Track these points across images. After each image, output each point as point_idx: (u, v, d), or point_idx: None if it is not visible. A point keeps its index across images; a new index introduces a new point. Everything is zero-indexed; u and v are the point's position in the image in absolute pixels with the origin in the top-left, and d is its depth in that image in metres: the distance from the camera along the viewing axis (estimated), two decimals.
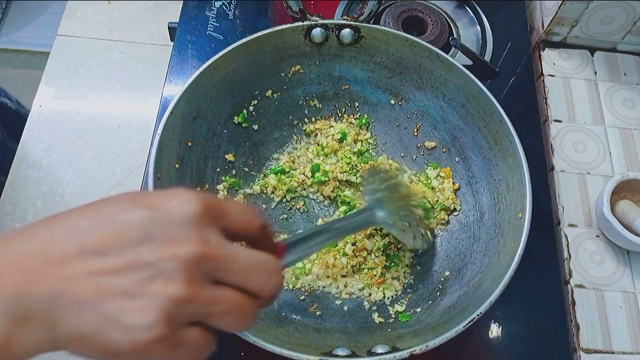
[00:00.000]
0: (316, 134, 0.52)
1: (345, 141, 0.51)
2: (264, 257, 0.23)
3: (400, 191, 0.45)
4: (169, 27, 0.60)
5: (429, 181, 0.49)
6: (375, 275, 0.45)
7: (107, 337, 0.20)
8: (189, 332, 0.21)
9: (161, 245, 0.20)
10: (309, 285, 0.45)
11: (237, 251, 0.22)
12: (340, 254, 0.45)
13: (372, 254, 0.46)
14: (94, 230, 0.21)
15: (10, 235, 0.21)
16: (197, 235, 0.21)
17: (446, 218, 0.48)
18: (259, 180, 0.50)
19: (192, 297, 0.20)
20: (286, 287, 0.45)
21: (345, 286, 0.45)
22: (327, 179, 0.49)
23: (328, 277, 0.45)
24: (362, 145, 0.51)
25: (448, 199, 0.48)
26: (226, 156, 0.48)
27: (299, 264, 0.45)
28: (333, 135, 0.51)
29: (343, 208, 0.48)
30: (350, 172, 0.49)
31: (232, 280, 0.22)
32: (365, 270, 0.45)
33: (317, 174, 0.49)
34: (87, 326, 0.20)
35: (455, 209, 0.48)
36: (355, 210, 0.46)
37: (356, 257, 0.45)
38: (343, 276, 0.45)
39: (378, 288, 0.44)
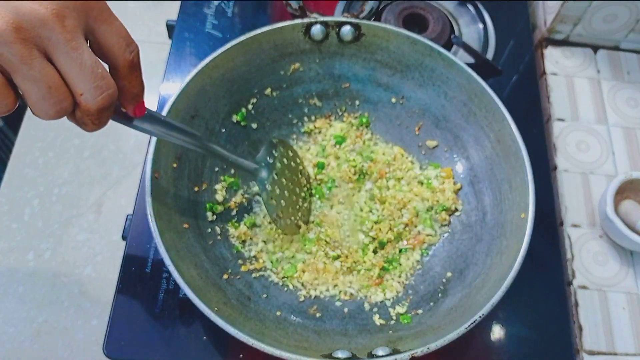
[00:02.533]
0: (316, 133, 0.52)
1: (344, 143, 0.50)
2: (103, 70, 0.23)
3: (299, 176, 0.46)
4: (167, 25, 0.60)
5: (429, 181, 0.48)
6: (373, 276, 0.44)
7: None
8: None
9: None
10: (307, 288, 0.44)
11: (84, 46, 0.22)
12: (330, 259, 0.44)
13: (366, 254, 0.45)
14: None
15: None
16: (60, 6, 0.21)
17: (447, 219, 0.47)
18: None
19: (14, 39, 0.20)
20: (286, 289, 0.44)
21: (342, 288, 0.44)
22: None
23: (322, 283, 0.44)
24: (362, 145, 0.51)
25: (448, 199, 0.47)
26: None
27: (288, 265, 0.44)
28: (328, 140, 0.50)
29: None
30: (359, 177, 0.49)
31: (61, 63, 0.22)
32: (362, 271, 0.44)
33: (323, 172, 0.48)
34: None
35: (456, 209, 0.47)
36: (243, 156, 0.44)
37: (347, 258, 0.45)
38: (337, 278, 0.44)
39: (377, 289, 0.44)
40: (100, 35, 0.23)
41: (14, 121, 0.72)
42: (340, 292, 0.44)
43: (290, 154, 0.46)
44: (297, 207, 0.45)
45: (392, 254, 0.45)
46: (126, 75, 0.25)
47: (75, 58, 0.22)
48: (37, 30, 0.21)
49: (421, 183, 0.49)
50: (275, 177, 0.42)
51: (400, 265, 0.45)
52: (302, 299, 0.43)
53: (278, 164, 0.43)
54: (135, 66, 0.25)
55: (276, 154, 0.43)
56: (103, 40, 0.23)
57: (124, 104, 0.27)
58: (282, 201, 0.43)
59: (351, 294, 0.44)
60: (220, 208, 0.46)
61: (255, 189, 0.48)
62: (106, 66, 0.25)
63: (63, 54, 0.22)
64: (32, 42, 0.21)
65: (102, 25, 0.23)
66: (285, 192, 0.43)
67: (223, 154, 0.39)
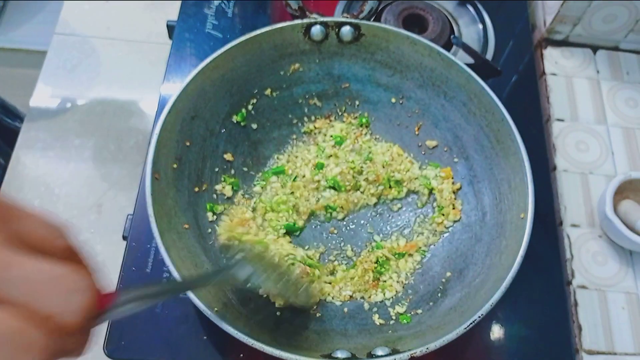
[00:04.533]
0: (316, 133, 0.52)
1: (344, 144, 0.50)
2: (62, 270, 0.17)
3: (266, 259, 0.39)
4: (167, 26, 0.60)
5: (428, 181, 0.48)
6: (368, 281, 0.44)
7: None
8: None
9: None
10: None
11: (21, 259, 0.16)
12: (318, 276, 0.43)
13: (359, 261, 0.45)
14: None
15: None
16: None
17: (445, 220, 0.47)
18: (258, 181, 0.49)
19: None
20: None
21: (339, 291, 0.44)
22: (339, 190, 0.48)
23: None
24: (361, 145, 0.51)
25: (446, 199, 0.47)
26: (225, 156, 0.48)
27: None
28: (328, 141, 0.50)
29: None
30: (357, 178, 0.49)
31: (11, 295, 0.16)
32: (355, 278, 0.44)
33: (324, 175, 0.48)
34: None
35: (454, 207, 0.47)
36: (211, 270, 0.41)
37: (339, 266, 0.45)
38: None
39: (375, 291, 0.44)
40: (26, 234, 0.18)
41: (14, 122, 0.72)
42: (337, 295, 0.44)
43: (241, 248, 0.40)
44: (296, 276, 0.40)
45: (382, 260, 0.45)
46: (74, 263, 0.19)
47: (19, 281, 0.16)
48: None
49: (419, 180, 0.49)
50: (257, 265, 0.36)
51: (397, 266, 0.45)
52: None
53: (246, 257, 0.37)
54: (72, 249, 0.19)
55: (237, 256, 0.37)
56: (32, 238, 0.18)
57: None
58: (286, 280, 0.38)
59: (350, 296, 0.44)
60: (220, 208, 0.46)
61: (256, 188, 0.48)
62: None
63: (4, 284, 0.16)
64: None
65: (19, 222, 0.18)
66: (277, 275, 0.38)
67: (203, 281, 0.34)
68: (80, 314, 0.17)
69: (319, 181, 0.48)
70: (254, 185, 0.49)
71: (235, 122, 0.48)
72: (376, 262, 0.45)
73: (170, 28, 0.59)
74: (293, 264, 0.41)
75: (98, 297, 0.18)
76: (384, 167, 0.49)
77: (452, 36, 0.57)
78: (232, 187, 0.47)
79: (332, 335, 0.40)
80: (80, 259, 0.20)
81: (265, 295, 0.41)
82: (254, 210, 0.47)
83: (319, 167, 0.49)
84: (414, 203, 0.49)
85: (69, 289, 0.17)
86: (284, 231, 0.46)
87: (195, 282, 0.34)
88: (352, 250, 0.47)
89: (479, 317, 0.35)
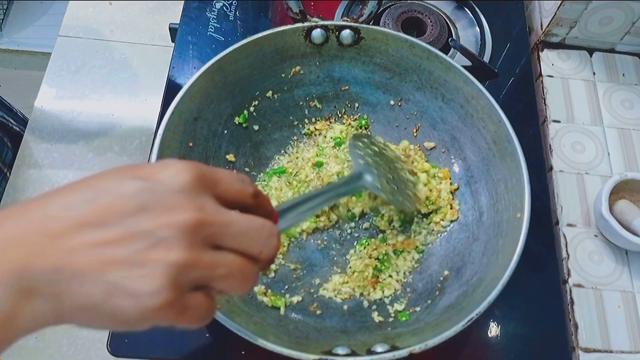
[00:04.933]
0: (316, 135, 0.53)
1: (343, 145, 0.51)
2: (260, 221, 0.24)
3: (386, 155, 0.46)
4: (170, 28, 0.61)
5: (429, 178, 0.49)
6: (368, 277, 0.45)
7: (115, 306, 0.20)
8: (193, 297, 0.22)
9: (158, 213, 0.21)
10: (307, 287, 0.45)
11: (234, 216, 0.23)
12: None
13: (357, 258, 0.46)
14: (90, 203, 0.21)
15: (8, 212, 0.21)
16: (192, 203, 0.21)
17: (443, 219, 0.48)
18: (260, 181, 0.50)
19: (194, 262, 0.21)
20: (286, 287, 0.45)
21: (339, 289, 0.45)
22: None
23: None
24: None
25: (444, 199, 0.48)
26: (227, 156, 0.48)
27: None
28: (328, 142, 0.51)
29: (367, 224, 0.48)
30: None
31: (230, 244, 0.23)
32: (355, 274, 0.45)
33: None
34: (93, 296, 0.20)
35: (451, 207, 0.48)
36: (344, 176, 0.46)
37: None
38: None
39: (374, 288, 0.45)
40: (224, 192, 0.24)
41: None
42: (337, 294, 0.45)
43: (367, 141, 0.46)
44: (406, 179, 0.45)
45: (382, 256, 0.46)
46: (258, 205, 0.26)
47: (237, 233, 0.23)
48: (201, 235, 0.21)
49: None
50: (377, 173, 0.42)
51: (396, 265, 0.46)
52: (301, 298, 0.44)
53: (369, 160, 0.43)
54: (258, 193, 0.26)
55: (361, 152, 0.43)
56: (228, 194, 0.24)
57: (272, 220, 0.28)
58: (394, 187, 0.43)
59: (350, 294, 0.45)
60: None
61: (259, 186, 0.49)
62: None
63: (226, 237, 0.22)
64: (201, 250, 0.21)
65: (220, 186, 0.24)
66: (390, 175, 0.43)
67: (340, 194, 0.40)
68: (275, 250, 0.24)
69: (322, 178, 0.49)
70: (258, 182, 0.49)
71: (237, 123, 0.49)
72: (377, 259, 0.46)
73: (173, 31, 0.60)
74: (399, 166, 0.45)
75: (273, 217, 0.27)
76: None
77: (450, 39, 0.58)
78: None
79: (332, 332, 0.41)
80: (260, 198, 0.26)
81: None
82: None
83: (318, 165, 0.49)
84: None
85: (266, 234, 0.24)
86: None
87: (335, 190, 0.38)
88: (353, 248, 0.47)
89: (477, 314, 0.36)
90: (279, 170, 0.49)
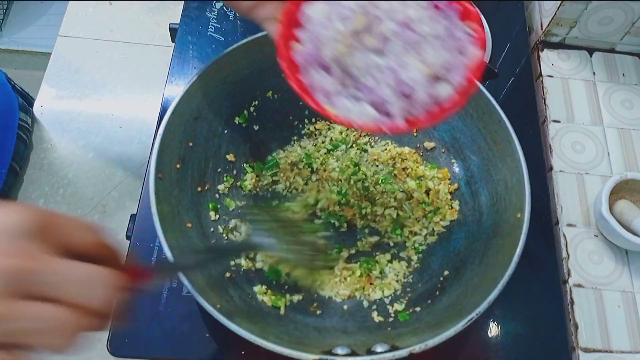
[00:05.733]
0: (316, 135, 0.53)
1: (339, 147, 0.51)
2: (97, 270, 0.22)
3: (287, 219, 0.44)
4: (170, 28, 0.61)
5: (425, 182, 0.49)
6: (362, 277, 0.45)
7: None
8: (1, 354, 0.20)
9: None
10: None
11: (65, 265, 0.21)
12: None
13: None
14: None
15: None
16: (19, 249, 0.20)
17: (442, 219, 0.48)
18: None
19: (4, 313, 0.20)
20: (286, 287, 0.45)
21: (337, 289, 0.45)
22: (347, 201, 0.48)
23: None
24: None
25: (442, 200, 0.48)
26: (227, 156, 0.48)
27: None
28: (328, 143, 0.51)
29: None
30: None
31: (54, 294, 0.21)
32: (348, 279, 0.45)
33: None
34: None
35: (451, 207, 0.48)
36: (229, 243, 0.45)
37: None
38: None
39: (372, 285, 0.45)
40: (68, 243, 0.22)
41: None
42: (336, 293, 0.45)
43: (262, 210, 0.45)
44: (314, 243, 0.43)
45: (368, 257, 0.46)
46: (110, 258, 0.24)
47: (64, 282, 0.21)
48: (20, 283, 0.20)
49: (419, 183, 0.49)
50: (279, 236, 0.40)
51: (377, 264, 0.46)
52: (301, 297, 0.44)
53: (266, 226, 0.41)
54: (103, 244, 0.24)
55: (259, 218, 0.42)
56: (73, 244, 0.23)
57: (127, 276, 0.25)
58: (295, 247, 0.41)
59: (349, 294, 0.45)
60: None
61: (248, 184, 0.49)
62: None
63: (50, 286, 0.21)
64: (14, 300, 0.20)
65: (63, 235, 0.22)
66: (294, 241, 0.41)
67: (228, 255, 0.39)
68: (103, 301, 0.22)
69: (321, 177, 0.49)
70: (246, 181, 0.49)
71: (237, 123, 0.49)
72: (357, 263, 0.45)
73: (173, 31, 0.60)
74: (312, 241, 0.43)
75: (130, 275, 0.25)
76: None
77: None
78: (228, 191, 0.48)
79: (332, 332, 0.41)
80: (110, 250, 0.25)
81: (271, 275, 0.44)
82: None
83: (306, 159, 0.50)
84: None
85: (95, 285, 0.22)
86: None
87: (220, 250, 0.38)
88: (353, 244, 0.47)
89: (477, 314, 0.36)
90: (273, 163, 0.49)
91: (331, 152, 0.51)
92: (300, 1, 0.31)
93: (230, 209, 0.47)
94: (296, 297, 0.44)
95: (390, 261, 0.46)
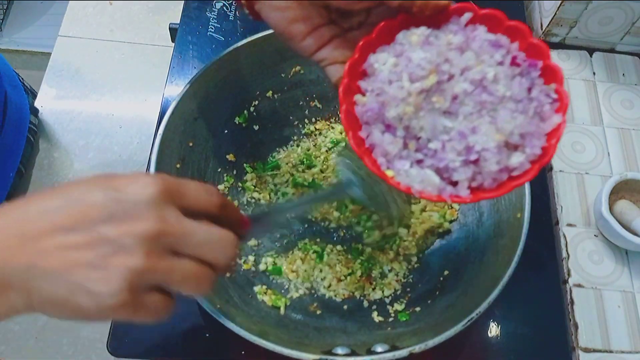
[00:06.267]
0: (316, 135, 0.53)
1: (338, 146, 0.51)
2: (218, 233, 0.26)
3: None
4: (170, 28, 0.61)
5: None
6: (362, 277, 0.45)
7: (78, 303, 0.23)
8: (150, 296, 0.24)
9: (122, 223, 0.23)
10: (307, 285, 0.45)
11: (194, 227, 0.25)
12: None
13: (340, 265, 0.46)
14: (63, 210, 0.23)
15: None
16: (154, 214, 0.24)
17: (442, 220, 0.48)
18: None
19: (150, 268, 0.23)
20: (287, 286, 0.45)
21: (336, 289, 0.45)
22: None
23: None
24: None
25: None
26: (227, 156, 0.48)
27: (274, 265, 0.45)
28: (324, 142, 0.51)
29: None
30: None
31: (188, 252, 0.25)
32: (348, 279, 0.45)
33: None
34: (59, 293, 0.23)
35: (451, 206, 0.48)
36: (328, 187, 0.47)
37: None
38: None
39: (371, 284, 0.45)
40: (189, 203, 0.26)
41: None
42: (335, 293, 0.45)
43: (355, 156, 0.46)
44: (393, 196, 0.43)
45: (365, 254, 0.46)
46: (224, 215, 0.28)
47: (195, 243, 0.25)
48: (160, 243, 0.24)
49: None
50: (362, 182, 0.40)
51: (374, 260, 0.46)
52: (302, 296, 0.44)
53: (352, 168, 0.41)
54: (224, 204, 0.28)
55: (348, 163, 0.42)
56: (194, 205, 0.26)
57: (235, 230, 0.29)
58: (379, 192, 0.41)
59: (348, 295, 0.45)
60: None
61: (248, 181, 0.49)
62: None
63: (185, 246, 0.25)
64: (159, 257, 0.24)
65: (186, 198, 0.26)
66: (374, 183, 0.42)
67: (322, 200, 0.40)
68: (229, 259, 0.26)
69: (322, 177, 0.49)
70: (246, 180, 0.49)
71: (237, 123, 0.49)
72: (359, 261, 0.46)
73: (173, 31, 0.60)
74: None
75: (244, 226, 0.30)
76: None
77: None
78: (228, 191, 0.48)
79: (332, 332, 0.41)
80: (226, 207, 0.28)
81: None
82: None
83: (306, 159, 0.50)
84: None
85: (223, 245, 0.26)
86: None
87: (312, 199, 0.39)
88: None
89: (477, 314, 0.36)
90: (274, 165, 0.49)
91: (331, 151, 0.51)
92: (366, 51, 0.29)
93: None
94: (296, 293, 0.44)
95: (390, 261, 0.46)
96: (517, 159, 0.27)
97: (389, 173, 0.28)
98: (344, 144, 0.51)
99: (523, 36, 0.28)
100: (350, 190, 0.39)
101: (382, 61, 0.28)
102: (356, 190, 0.39)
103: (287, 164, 0.50)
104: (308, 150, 0.51)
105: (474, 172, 0.27)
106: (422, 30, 0.28)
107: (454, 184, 0.28)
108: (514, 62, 0.28)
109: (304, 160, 0.50)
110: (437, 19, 0.28)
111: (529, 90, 0.27)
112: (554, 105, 0.28)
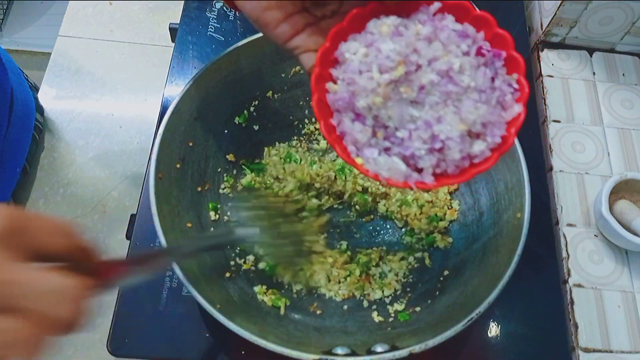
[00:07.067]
0: (316, 135, 0.53)
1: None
2: (59, 282, 0.21)
3: (273, 208, 0.44)
4: (170, 28, 0.61)
5: None
6: (361, 277, 0.45)
7: None
8: None
9: None
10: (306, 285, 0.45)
11: (32, 275, 0.21)
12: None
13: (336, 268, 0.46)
14: None
15: None
16: None
17: (442, 220, 0.48)
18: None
19: None
20: (286, 287, 0.45)
21: (335, 289, 0.45)
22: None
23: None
24: None
25: (441, 200, 0.48)
26: (227, 156, 0.48)
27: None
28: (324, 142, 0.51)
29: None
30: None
31: (19, 305, 0.20)
32: (347, 279, 0.45)
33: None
34: None
35: (451, 207, 0.48)
36: (214, 231, 0.45)
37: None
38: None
39: (370, 284, 0.45)
40: (39, 245, 0.22)
41: None
42: (335, 293, 0.45)
43: (252, 195, 0.44)
44: (294, 234, 0.43)
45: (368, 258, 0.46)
46: (83, 258, 0.24)
47: (25, 294, 0.20)
48: None
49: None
50: (261, 225, 0.40)
51: (361, 261, 0.46)
52: (302, 296, 0.44)
53: (249, 213, 0.41)
54: (78, 246, 0.24)
55: (246, 205, 0.42)
56: (45, 247, 0.22)
57: (101, 275, 0.25)
58: (280, 241, 0.41)
59: (348, 295, 0.45)
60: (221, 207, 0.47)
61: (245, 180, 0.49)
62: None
63: (13, 298, 0.20)
64: None
65: (35, 238, 0.22)
66: (277, 235, 0.41)
67: (206, 248, 0.38)
68: (70, 313, 0.21)
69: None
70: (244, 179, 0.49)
71: (237, 123, 0.49)
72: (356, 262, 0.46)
73: (173, 31, 0.60)
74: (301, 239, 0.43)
75: (105, 273, 0.25)
76: None
77: None
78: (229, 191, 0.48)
79: (332, 332, 0.41)
80: (83, 250, 0.24)
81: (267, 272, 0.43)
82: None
83: (287, 157, 0.50)
84: None
85: (61, 297, 0.21)
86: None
87: (198, 243, 0.36)
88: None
89: (477, 314, 0.36)
90: (259, 167, 0.49)
91: (331, 149, 0.51)
92: (337, 39, 0.29)
93: None
94: (296, 287, 0.43)
95: (390, 261, 0.46)
96: (478, 147, 0.28)
97: (359, 160, 0.29)
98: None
99: (489, 26, 0.29)
100: (241, 234, 0.37)
101: (352, 50, 0.28)
102: (249, 232, 0.37)
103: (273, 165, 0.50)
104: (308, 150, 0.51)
105: (438, 160, 0.28)
106: (392, 20, 0.28)
107: (420, 170, 0.28)
108: (479, 52, 0.28)
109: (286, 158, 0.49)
110: (407, 7, 0.29)
111: (492, 79, 0.28)
112: (515, 95, 0.28)
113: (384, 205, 0.48)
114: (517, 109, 0.28)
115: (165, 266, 0.35)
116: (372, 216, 0.49)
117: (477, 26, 0.28)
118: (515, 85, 0.28)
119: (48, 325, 0.21)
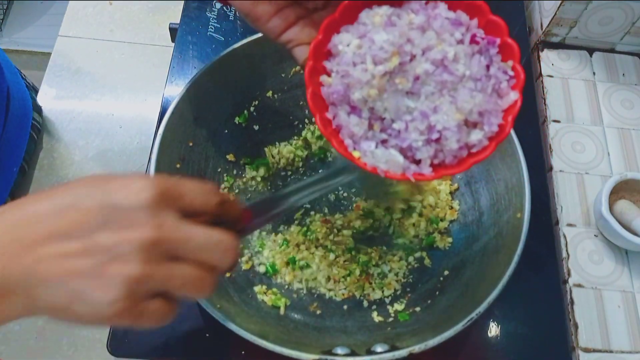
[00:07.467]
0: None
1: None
2: (217, 236, 0.25)
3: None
4: (170, 28, 0.61)
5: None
6: (361, 276, 0.45)
7: (77, 311, 0.23)
8: (150, 303, 0.24)
9: (118, 230, 0.23)
10: (307, 285, 0.45)
11: (192, 232, 0.24)
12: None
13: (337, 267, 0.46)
14: (58, 215, 0.23)
15: None
16: (150, 220, 0.23)
17: (442, 220, 0.48)
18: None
19: (148, 275, 0.23)
20: (286, 286, 0.45)
21: (334, 289, 0.45)
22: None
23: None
24: None
25: (442, 200, 0.48)
26: (227, 156, 0.48)
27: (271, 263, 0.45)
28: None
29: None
30: None
31: (188, 256, 0.24)
32: (347, 279, 0.45)
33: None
34: (58, 301, 0.23)
35: (452, 207, 0.48)
36: (325, 171, 0.46)
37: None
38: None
39: (370, 283, 0.45)
40: (187, 205, 0.25)
41: None
42: (334, 293, 0.45)
43: None
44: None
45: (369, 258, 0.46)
46: (224, 213, 0.27)
47: (194, 248, 0.24)
48: (157, 250, 0.23)
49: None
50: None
51: (360, 257, 0.46)
52: (303, 296, 0.44)
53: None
54: (223, 201, 0.27)
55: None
56: (192, 206, 0.25)
57: (235, 227, 0.29)
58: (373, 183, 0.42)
59: (348, 294, 0.45)
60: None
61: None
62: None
63: (183, 251, 0.24)
64: (157, 263, 0.23)
65: (183, 199, 0.25)
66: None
67: (318, 181, 0.38)
68: (230, 263, 0.26)
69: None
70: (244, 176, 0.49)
71: (237, 123, 0.49)
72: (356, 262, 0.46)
73: (173, 31, 0.60)
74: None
75: (245, 220, 0.30)
76: None
77: None
78: (228, 192, 0.48)
79: (332, 332, 0.41)
80: (226, 205, 0.27)
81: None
82: None
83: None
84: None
85: (223, 248, 0.25)
86: None
87: (310, 183, 0.36)
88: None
89: (477, 314, 0.36)
90: (263, 162, 0.49)
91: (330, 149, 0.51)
92: (330, 31, 0.29)
93: None
94: (296, 285, 0.44)
95: (390, 261, 0.46)
96: (476, 137, 0.28)
97: (356, 154, 0.28)
98: None
99: (482, 13, 0.28)
100: (349, 173, 0.38)
101: (345, 42, 0.28)
102: (352, 175, 0.38)
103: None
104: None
105: (436, 150, 0.28)
106: (385, 10, 0.28)
107: (417, 162, 0.28)
108: (473, 40, 0.28)
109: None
110: None
111: (487, 67, 0.28)
112: (511, 82, 0.28)
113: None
114: (514, 96, 0.28)
115: (280, 214, 0.37)
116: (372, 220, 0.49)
117: (470, 13, 0.28)
118: (511, 72, 0.28)
119: (215, 270, 0.25)
